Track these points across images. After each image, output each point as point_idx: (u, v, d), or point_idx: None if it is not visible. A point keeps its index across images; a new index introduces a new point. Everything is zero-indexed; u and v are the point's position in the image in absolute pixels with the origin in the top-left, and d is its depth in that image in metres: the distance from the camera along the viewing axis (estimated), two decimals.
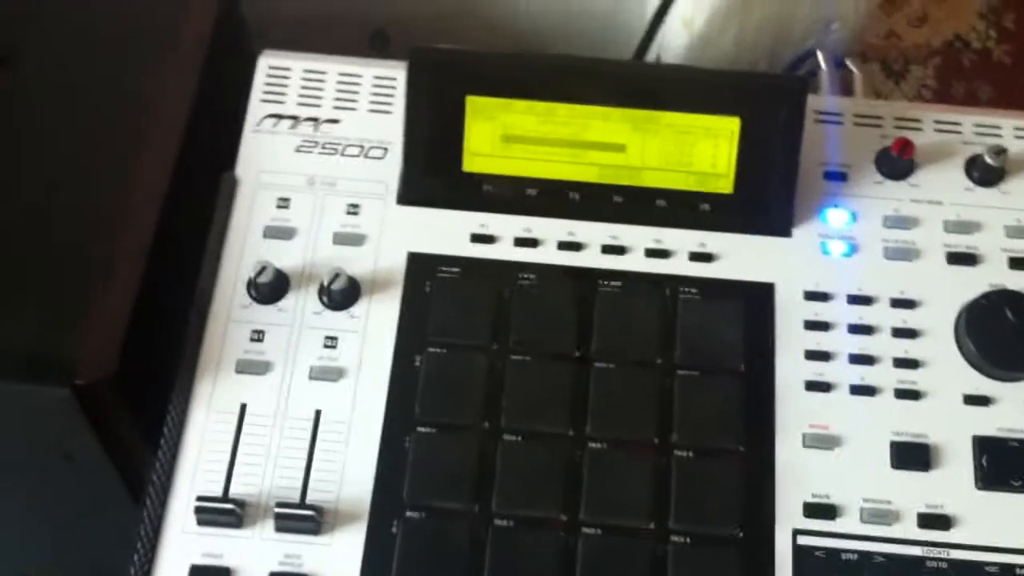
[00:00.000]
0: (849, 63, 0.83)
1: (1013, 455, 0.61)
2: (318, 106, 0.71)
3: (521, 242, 0.67)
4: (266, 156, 0.69)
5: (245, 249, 0.67)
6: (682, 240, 0.67)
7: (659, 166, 0.67)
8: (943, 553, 0.59)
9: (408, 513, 0.60)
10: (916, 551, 0.59)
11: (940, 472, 0.61)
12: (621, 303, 0.65)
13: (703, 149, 0.67)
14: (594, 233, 0.68)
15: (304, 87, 0.72)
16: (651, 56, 0.84)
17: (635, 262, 0.67)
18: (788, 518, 0.60)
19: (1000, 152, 0.69)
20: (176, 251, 0.67)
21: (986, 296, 0.65)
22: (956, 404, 0.63)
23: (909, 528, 0.60)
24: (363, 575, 0.58)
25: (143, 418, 0.64)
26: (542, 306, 0.65)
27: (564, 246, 0.67)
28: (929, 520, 0.60)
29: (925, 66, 1.31)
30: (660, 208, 0.68)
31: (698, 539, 0.59)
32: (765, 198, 0.68)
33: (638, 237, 0.67)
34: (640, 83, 0.67)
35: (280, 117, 0.71)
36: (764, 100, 0.66)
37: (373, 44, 0.91)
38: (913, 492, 0.61)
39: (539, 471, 0.60)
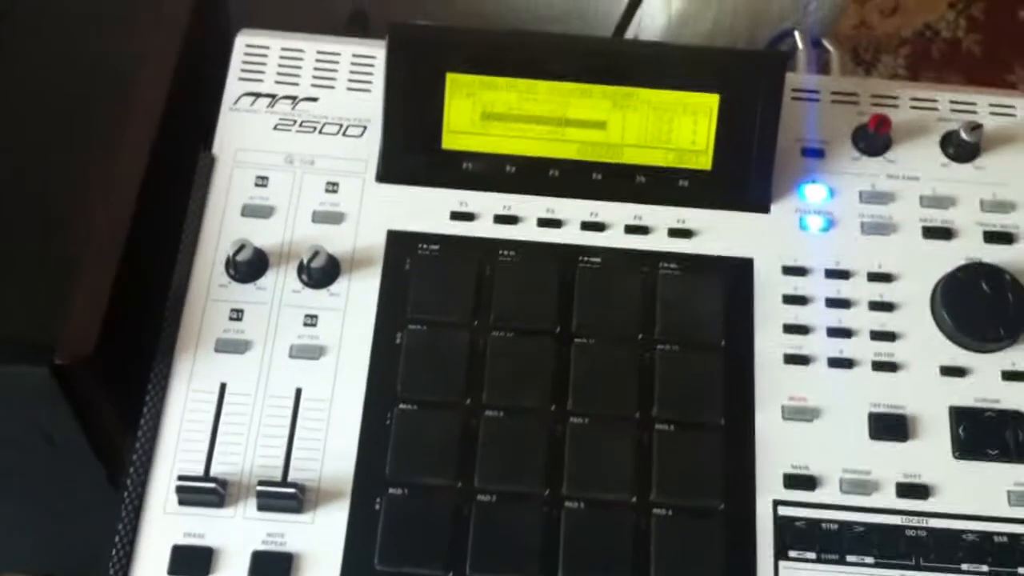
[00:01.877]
0: (826, 43, 0.83)
1: (989, 424, 0.62)
2: (296, 84, 0.71)
3: (501, 219, 0.67)
4: (244, 135, 0.69)
5: (223, 228, 0.66)
6: (662, 216, 0.68)
7: (638, 143, 0.68)
8: (922, 522, 0.60)
9: (391, 490, 0.60)
10: (895, 520, 0.60)
11: (918, 442, 0.62)
12: (601, 279, 0.65)
13: (682, 125, 0.67)
14: (574, 210, 0.68)
15: (282, 65, 0.71)
16: (629, 38, 0.84)
17: (615, 238, 0.67)
18: (768, 489, 0.60)
19: (975, 128, 0.69)
20: (155, 231, 0.67)
21: (962, 269, 0.65)
22: (933, 375, 0.64)
23: (888, 498, 0.60)
24: (347, 552, 0.58)
25: (124, 400, 0.64)
26: (522, 283, 0.65)
27: (544, 223, 0.67)
28: (907, 489, 0.61)
29: (895, 55, 1.31)
30: (640, 184, 0.68)
31: (680, 511, 0.59)
32: (744, 174, 0.68)
33: (618, 214, 0.68)
34: (620, 60, 0.67)
35: (258, 95, 0.70)
36: (743, 76, 0.67)
37: (352, 22, 0.91)
38: (891, 462, 0.61)
39: (521, 446, 0.61)
